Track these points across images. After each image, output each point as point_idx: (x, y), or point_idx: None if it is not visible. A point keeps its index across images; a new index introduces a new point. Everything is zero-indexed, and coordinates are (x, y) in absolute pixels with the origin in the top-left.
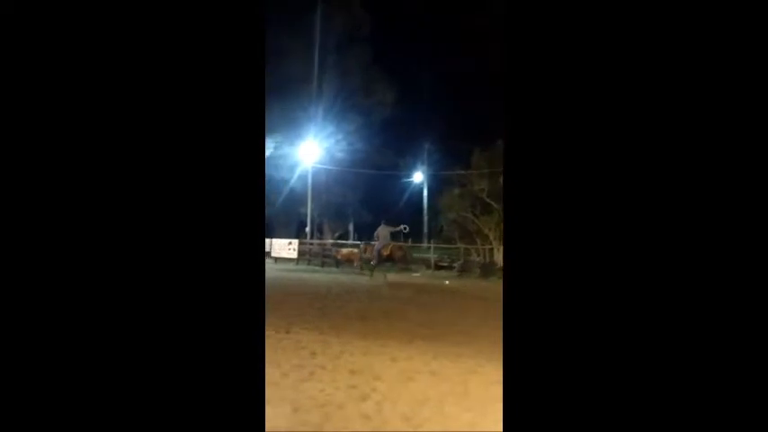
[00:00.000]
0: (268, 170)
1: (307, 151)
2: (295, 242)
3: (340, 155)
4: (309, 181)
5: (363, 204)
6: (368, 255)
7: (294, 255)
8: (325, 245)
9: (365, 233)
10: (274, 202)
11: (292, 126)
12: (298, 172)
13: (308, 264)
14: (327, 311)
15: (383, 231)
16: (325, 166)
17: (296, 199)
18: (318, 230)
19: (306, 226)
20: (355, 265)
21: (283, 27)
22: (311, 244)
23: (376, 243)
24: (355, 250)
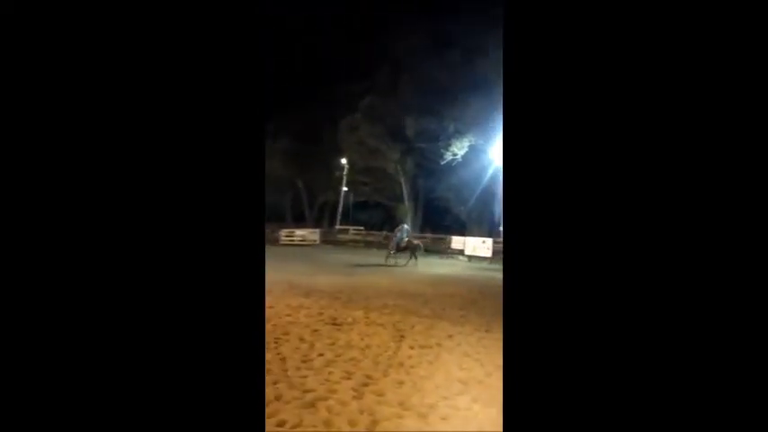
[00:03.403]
0: (462, 170)
1: (499, 150)
2: (489, 240)
3: None
4: (502, 179)
5: None
6: (390, 244)
7: (488, 253)
8: None
9: None
10: (468, 200)
11: (485, 126)
12: (491, 171)
13: (502, 263)
14: None
15: (400, 228)
16: None
17: (488, 198)
18: None
19: (499, 225)
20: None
21: (477, 25)
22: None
23: (395, 236)
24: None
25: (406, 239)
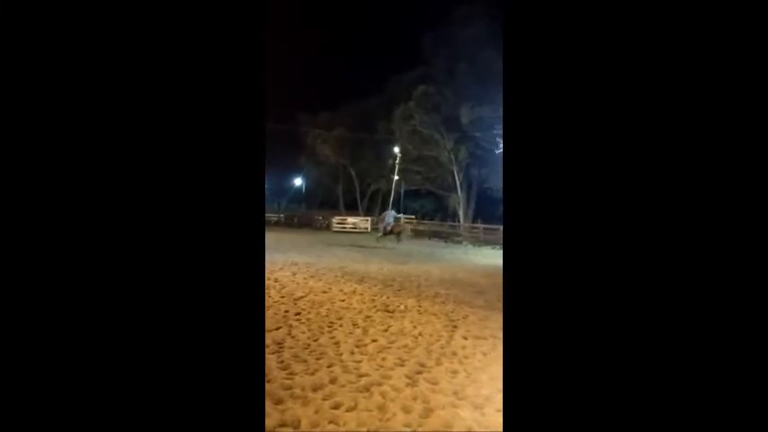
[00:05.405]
0: None
1: None
2: None
3: None
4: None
5: None
6: (379, 227)
7: None
8: None
9: None
10: None
11: None
12: None
13: None
14: None
15: (386, 214)
16: None
17: None
18: None
19: None
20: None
21: None
22: None
23: (383, 221)
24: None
25: (392, 224)
